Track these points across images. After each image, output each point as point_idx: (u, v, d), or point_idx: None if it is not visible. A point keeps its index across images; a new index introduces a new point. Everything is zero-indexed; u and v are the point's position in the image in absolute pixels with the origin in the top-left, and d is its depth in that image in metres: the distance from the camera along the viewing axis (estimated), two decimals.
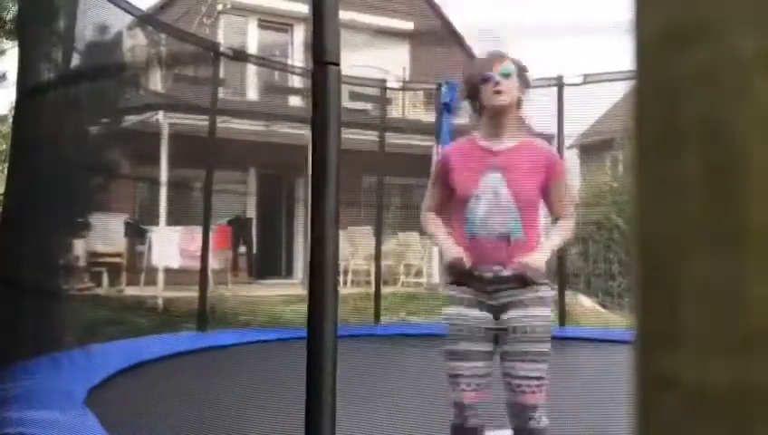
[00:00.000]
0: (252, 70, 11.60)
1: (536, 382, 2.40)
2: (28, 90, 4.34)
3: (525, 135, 2.72)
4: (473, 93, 2.61)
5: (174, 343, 5.42)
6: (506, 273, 2.45)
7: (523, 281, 2.45)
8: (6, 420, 2.65)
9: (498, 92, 2.55)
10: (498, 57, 2.68)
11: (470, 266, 2.46)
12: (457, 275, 2.51)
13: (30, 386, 3.28)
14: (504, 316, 2.44)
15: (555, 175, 2.58)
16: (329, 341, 1.66)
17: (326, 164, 1.72)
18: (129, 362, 4.46)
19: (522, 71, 2.72)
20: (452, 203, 2.59)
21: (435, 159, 3.11)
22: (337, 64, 1.76)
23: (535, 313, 2.45)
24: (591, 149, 13.70)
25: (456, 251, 2.50)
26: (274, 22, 13.69)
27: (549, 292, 2.58)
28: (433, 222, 2.73)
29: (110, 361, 4.34)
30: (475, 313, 2.45)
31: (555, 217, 2.65)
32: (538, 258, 2.46)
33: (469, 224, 2.48)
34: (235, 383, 4.35)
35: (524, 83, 2.75)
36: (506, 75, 2.60)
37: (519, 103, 2.68)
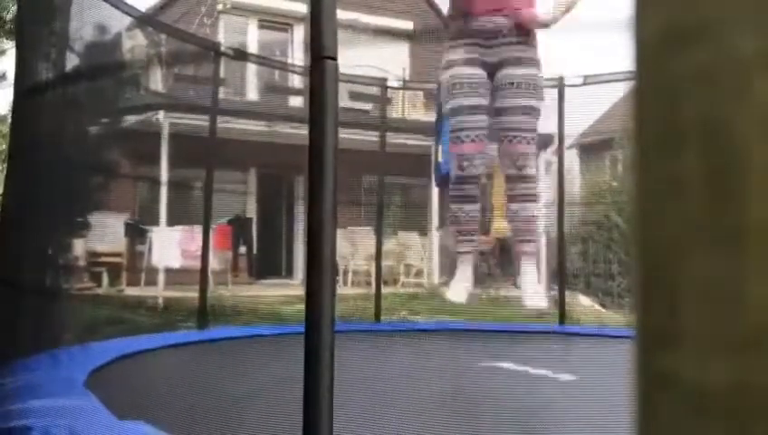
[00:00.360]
0: (252, 70, 11.60)
1: (528, 134, 2.58)
2: (26, 89, 4.34)
3: None
4: None
5: (174, 341, 5.43)
6: (506, 23, 2.56)
7: (519, 33, 2.58)
8: (9, 414, 2.65)
9: None
10: None
11: (473, 16, 2.56)
12: (460, 27, 2.61)
13: (30, 380, 3.29)
14: (500, 73, 2.58)
15: None
16: (326, 336, 1.66)
17: (323, 158, 1.72)
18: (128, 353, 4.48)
19: None
20: None
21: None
22: (334, 59, 1.75)
23: (528, 71, 2.62)
24: (591, 149, 13.70)
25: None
26: (274, 22, 13.69)
27: (539, 52, 2.72)
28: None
29: (110, 355, 4.35)
30: (473, 70, 2.58)
31: None
32: (535, 12, 2.63)
33: None
34: (233, 377, 4.35)
35: None
36: None
37: None
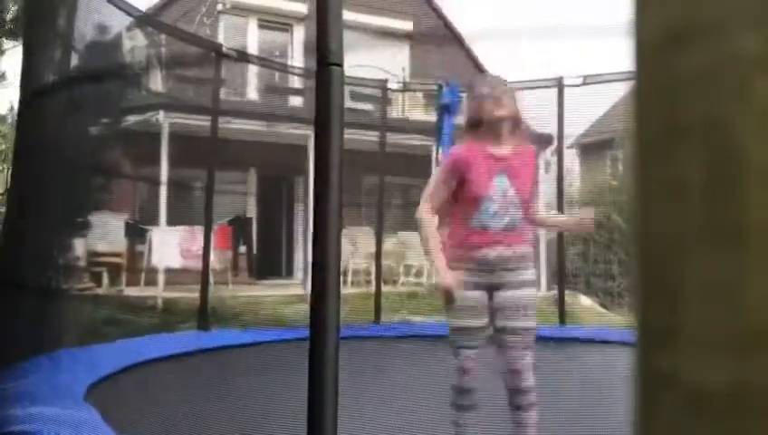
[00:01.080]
0: (252, 70, 11.60)
1: (527, 351, 2.82)
2: (32, 91, 4.35)
3: (519, 141, 3.10)
4: (474, 122, 3.04)
5: (175, 342, 5.42)
6: (507, 253, 2.88)
7: (517, 262, 2.88)
8: (8, 419, 2.65)
9: (500, 106, 2.98)
10: (497, 79, 3.17)
11: (476, 251, 2.89)
12: (462, 254, 2.92)
13: (31, 384, 3.28)
14: (499, 296, 2.84)
15: (536, 172, 3.10)
16: (331, 341, 1.66)
17: (329, 164, 1.72)
18: (129, 360, 4.47)
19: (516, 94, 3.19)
20: (462, 202, 2.96)
21: (435, 159, 3.50)
22: (340, 65, 1.76)
23: (525, 293, 2.87)
24: (591, 148, 13.70)
25: (448, 277, 2.89)
26: (274, 22, 13.69)
27: (535, 275, 3.01)
28: (431, 230, 3.05)
29: (111, 359, 4.34)
30: (475, 294, 2.84)
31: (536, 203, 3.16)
32: (551, 219, 3.13)
33: (483, 219, 2.90)
34: (238, 383, 4.35)
35: (520, 105, 3.19)
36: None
37: (517, 121, 3.08)
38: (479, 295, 2.86)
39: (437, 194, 3.05)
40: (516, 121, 3.05)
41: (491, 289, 2.87)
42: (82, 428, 2.62)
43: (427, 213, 3.05)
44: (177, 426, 3.20)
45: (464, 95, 6.29)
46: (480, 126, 2.99)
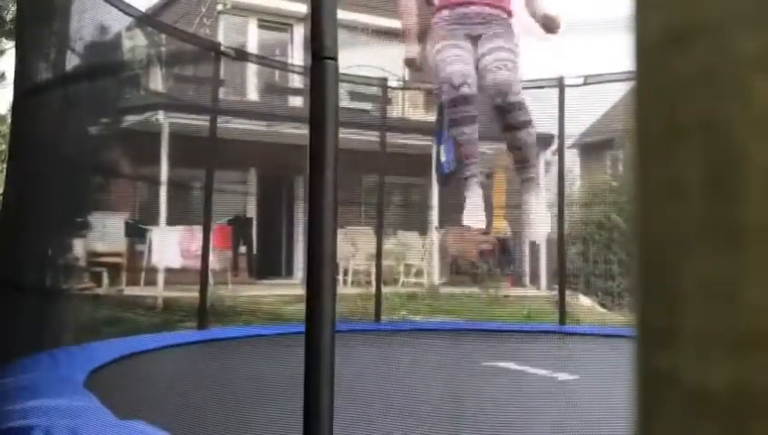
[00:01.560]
0: (252, 69, 11.60)
1: (509, 63, 3.05)
2: (26, 90, 4.34)
3: None
4: None
5: (175, 341, 5.43)
6: (486, 10, 3.12)
7: (495, 19, 3.17)
8: (8, 414, 2.65)
9: None
10: None
11: (459, 7, 3.16)
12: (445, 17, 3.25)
13: (31, 380, 3.28)
14: (482, 40, 3.13)
15: None
16: (327, 336, 1.66)
17: (324, 157, 1.72)
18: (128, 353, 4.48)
19: None
20: None
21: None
22: (334, 59, 1.76)
23: (507, 43, 3.16)
24: (591, 148, 13.70)
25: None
26: (274, 22, 13.68)
27: (515, 37, 3.27)
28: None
29: (110, 355, 4.35)
30: (464, 43, 3.10)
31: None
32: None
33: None
34: (233, 377, 4.35)
35: None
36: None
37: None
38: (468, 44, 3.11)
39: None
40: None
41: (475, 38, 3.13)
42: (82, 416, 2.62)
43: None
44: (179, 411, 3.20)
45: None
46: None
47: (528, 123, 2.99)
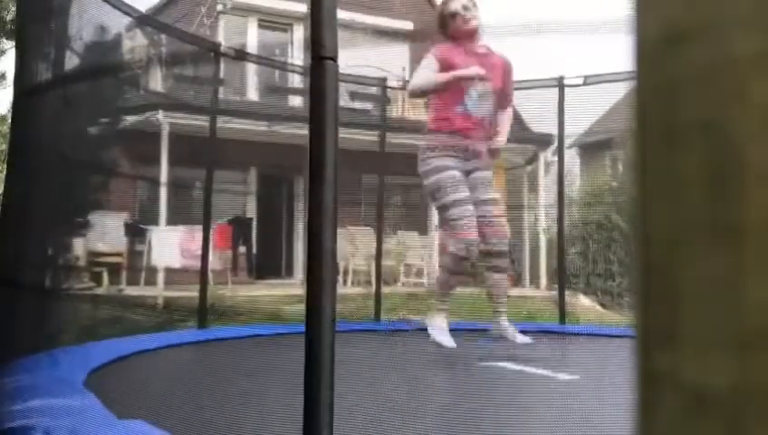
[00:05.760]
0: (252, 69, 11.60)
1: (501, 219, 3.48)
2: (26, 89, 4.34)
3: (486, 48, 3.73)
4: (443, 24, 3.71)
5: (175, 341, 5.43)
6: (479, 148, 3.48)
7: (487, 156, 3.55)
8: (9, 414, 2.65)
9: (471, 19, 3.63)
10: None
11: (462, 139, 3.48)
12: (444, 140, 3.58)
13: (30, 380, 3.28)
14: (472, 176, 3.46)
15: (509, 71, 3.66)
16: (327, 335, 1.66)
17: (324, 159, 1.72)
18: (128, 353, 4.49)
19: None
20: (449, 90, 3.53)
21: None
22: (334, 60, 1.76)
23: (489, 174, 3.55)
24: (591, 148, 13.70)
25: (439, 75, 3.64)
26: (274, 22, 13.69)
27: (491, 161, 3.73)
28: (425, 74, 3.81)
29: (110, 354, 4.35)
30: (461, 173, 3.45)
31: (505, 105, 3.73)
32: (501, 140, 3.61)
33: (463, 105, 3.45)
34: (233, 376, 4.35)
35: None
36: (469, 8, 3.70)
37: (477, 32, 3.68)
38: (461, 174, 3.45)
39: (425, 78, 3.69)
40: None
41: (466, 173, 3.46)
42: (82, 416, 2.62)
43: (414, 92, 3.82)
44: (173, 414, 3.20)
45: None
46: (453, 36, 3.62)
47: (506, 270, 3.45)
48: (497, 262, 3.42)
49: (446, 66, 3.59)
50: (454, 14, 3.68)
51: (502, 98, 3.66)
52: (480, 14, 3.70)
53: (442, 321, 3.48)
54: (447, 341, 3.44)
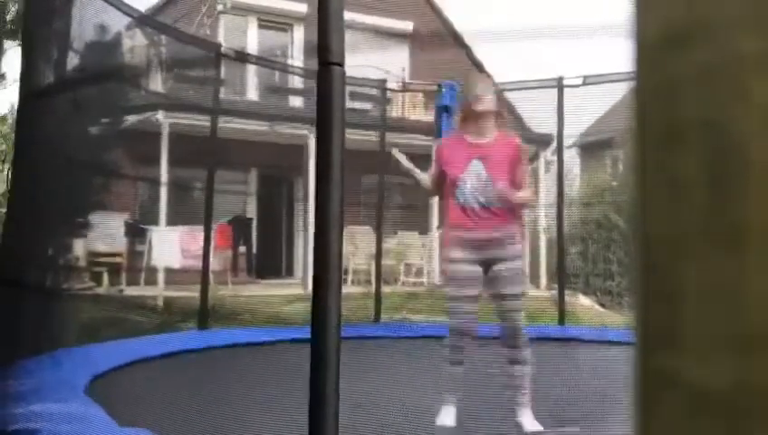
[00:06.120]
0: (252, 70, 11.60)
1: (518, 314, 3.41)
2: (32, 91, 4.34)
3: (498, 132, 3.60)
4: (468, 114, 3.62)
5: (175, 342, 5.42)
6: (495, 234, 3.39)
7: (504, 240, 3.43)
8: (11, 417, 2.65)
9: (481, 102, 3.53)
10: (483, 78, 3.78)
11: (468, 233, 3.44)
12: (457, 237, 3.52)
13: (31, 383, 3.28)
14: (492, 270, 3.39)
15: (520, 158, 3.55)
16: (332, 341, 1.66)
17: (330, 164, 1.72)
18: (129, 359, 4.47)
19: (499, 93, 3.82)
20: (448, 183, 3.53)
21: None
22: (341, 65, 1.76)
23: (515, 265, 3.44)
24: (591, 148, 13.70)
25: (426, 176, 3.75)
26: (274, 22, 13.68)
27: (521, 250, 3.62)
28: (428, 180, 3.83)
29: (111, 358, 4.34)
30: (473, 267, 3.39)
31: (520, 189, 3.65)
32: (518, 195, 3.49)
33: (460, 196, 3.45)
34: (239, 382, 4.35)
35: (503, 104, 3.79)
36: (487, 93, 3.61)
37: (499, 116, 3.63)
38: (474, 269, 3.39)
39: (434, 173, 3.73)
40: (497, 115, 3.59)
41: (485, 264, 3.40)
42: (84, 422, 2.62)
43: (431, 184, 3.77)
44: (176, 421, 3.20)
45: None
46: (465, 119, 3.58)
47: (525, 362, 3.39)
48: (515, 354, 3.38)
49: (441, 162, 3.63)
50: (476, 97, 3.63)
51: (507, 183, 3.54)
52: (493, 101, 3.65)
53: (447, 413, 3.49)
54: (449, 421, 3.46)
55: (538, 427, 3.28)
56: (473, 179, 3.43)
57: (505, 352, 3.39)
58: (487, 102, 3.54)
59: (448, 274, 3.49)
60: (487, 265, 3.39)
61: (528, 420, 3.31)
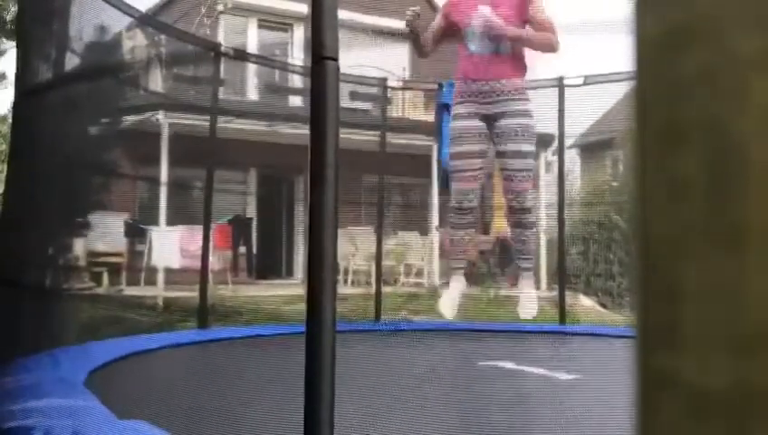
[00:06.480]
0: (252, 69, 11.60)
1: (525, 173, 3.24)
2: (27, 90, 4.34)
3: None
4: None
5: (174, 341, 5.43)
6: (501, 87, 3.24)
7: (514, 92, 3.28)
8: (10, 414, 2.65)
9: None
10: None
11: (476, 82, 3.30)
12: (462, 88, 3.38)
13: (31, 380, 3.28)
14: (499, 123, 3.23)
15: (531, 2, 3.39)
16: (327, 336, 1.66)
17: (324, 159, 1.72)
18: (128, 353, 4.49)
19: None
20: (458, 35, 3.39)
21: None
22: (335, 60, 1.76)
23: (522, 121, 3.25)
24: (591, 148, 13.70)
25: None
26: (274, 22, 13.69)
27: (530, 105, 3.49)
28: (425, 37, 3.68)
29: (110, 354, 4.35)
30: (472, 122, 3.25)
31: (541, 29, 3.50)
32: (520, 32, 3.33)
33: (470, 45, 3.29)
34: (234, 376, 4.36)
35: None
36: None
37: None
38: (480, 123, 3.21)
39: (435, 27, 3.51)
40: None
41: (490, 119, 3.23)
42: (82, 416, 2.62)
43: (428, 35, 3.56)
44: (180, 411, 3.20)
45: None
46: None
47: (533, 225, 3.33)
48: (518, 217, 3.32)
49: (448, 17, 3.47)
50: None
51: (518, 24, 3.37)
52: None
53: (454, 288, 3.39)
54: (449, 311, 3.38)
55: (531, 312, 3.24)
56: (481, 25, 3.28)
57: (511, 217, 3.31)
58: None
59: (453, 131, 3.34)
60: (493, 119, 3.24)
61: (527, 293, 3.25)
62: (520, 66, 3.35)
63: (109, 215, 8.92)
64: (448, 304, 3.34)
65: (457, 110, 3.31)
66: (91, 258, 8.95)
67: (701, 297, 0.32)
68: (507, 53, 3.26)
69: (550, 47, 3.93)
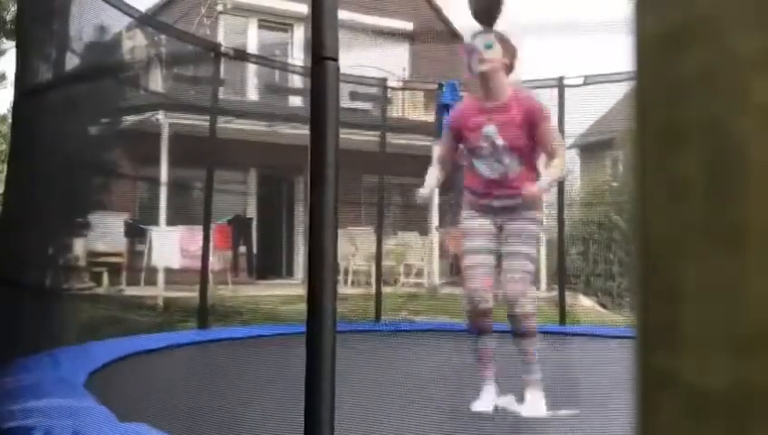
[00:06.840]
0: (252, 70, 11.61)
1: (529, 276, 3.22)
2: (27, 90, 4.34)
3: (512, 91, 3.33)
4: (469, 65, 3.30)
5: (174, 342, 5.43)
6: (510, 202, 3.20)
7: (521, 209, 3.23)
8: (10, 414, 2.65)
9: (482, 61, 3.21)
10: (482, 33, 3.31)
11: (483, 199, 3.30)
12: (470, 200, 3.36)
13: (31, 380, 3.28)
14: (506, 228, 3.25)
15: (539, 120, 3.25)
16: (328, 336, 1.66)
17: (325, 159, 1.72)
18: (128, 354, 4.49)
19: (503, 40, 3.33)
20: (466, 153, 3.34)
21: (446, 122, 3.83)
22: (335, 60, 1.75)
23: (529, 226, 3.26)
24: (591, 148, 13.70)
25: (427, 182, 3.40)
26: (274, 22, 13.69)
27: (540, 217, 3.40)
28: (433, 168, 3.52)
29: (110, 354, 4.35)
30: (486, 221, 3.27)
31: (548, 155, 3.38)
32: (536, 189, 3.21)
33: (478, 167, 3.25)
34: (235, 377, 4.36)
35: (510, 50, 3.36)
36: (488, 47, 3.24)
37: (509, 67, 3.32)
38: (487, 222, 3.26)
39: (443, 146, 3.48)
40: (506, 68, 3.30)
41: (499, 227, 3.26)
42: (82, 417, 2.62)
43: (438, 158, 3.48)
44: (174, 416, 3.20)
45: (464, 93, 6.34)
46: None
47: (533, 334, 3.20)
48: (517, 325, 3.15)
49: (457, 134, 3.35)
50: (470, 51, 3.24)
51: (528, 148, 3.25)
52: (500, 57, 3.24)
53: (488, 391, 3.33)
54: (483, 406, 3.29)
55: (539, 412, 3.05)
56: (488, 148, 3.19)
57: (510, 324, 3.18)
58: (488, 61, 3.20)
59: (465, 228, 3.30)
60: (501, 226, 3.24)
61: (533, 401, 3.10)
62: (531, 177, 3.27)
63: (109, 215, 8.93)
64: (481, 403, 3.34)
65: (467, 212, 3.36)
66: (91, 258, 8.95)
67: (701, 297, 0.32)
68: (518, 174, 3.25)
69: (560, 178, 4.07)
